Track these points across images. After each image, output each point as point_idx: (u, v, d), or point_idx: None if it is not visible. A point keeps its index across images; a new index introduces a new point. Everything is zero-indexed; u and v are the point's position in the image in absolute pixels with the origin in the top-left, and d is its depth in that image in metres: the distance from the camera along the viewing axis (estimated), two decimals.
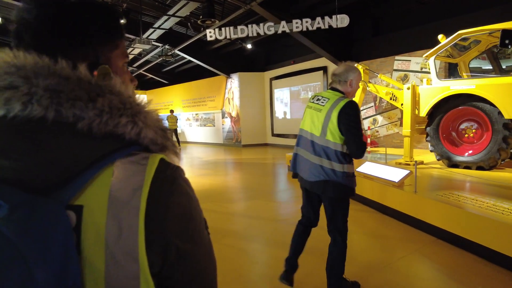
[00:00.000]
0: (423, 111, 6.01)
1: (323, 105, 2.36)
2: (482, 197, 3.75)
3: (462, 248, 3.35)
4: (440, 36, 6.02)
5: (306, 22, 7.18)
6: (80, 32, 0.55)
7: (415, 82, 6.09)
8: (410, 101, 6.06)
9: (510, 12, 6.90)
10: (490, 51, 6.66)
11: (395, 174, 4.63)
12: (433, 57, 6.08)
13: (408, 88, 6.08)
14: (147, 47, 11.01)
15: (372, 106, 9.88)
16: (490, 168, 5.28)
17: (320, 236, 2.99)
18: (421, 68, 8.59)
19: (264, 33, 7.42)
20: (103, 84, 0.52)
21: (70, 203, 0.44)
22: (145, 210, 0.47)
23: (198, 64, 14.95)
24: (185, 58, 14.92)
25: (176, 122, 16.27)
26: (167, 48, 13.75)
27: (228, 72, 15.40)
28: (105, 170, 0.47)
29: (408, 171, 4.49)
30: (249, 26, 7.34)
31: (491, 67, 6.91)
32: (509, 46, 4.95)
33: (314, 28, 7.21)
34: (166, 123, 0.64)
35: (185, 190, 0.54)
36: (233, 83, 15.46)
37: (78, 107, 0.48)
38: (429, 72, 8.52)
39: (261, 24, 7.32)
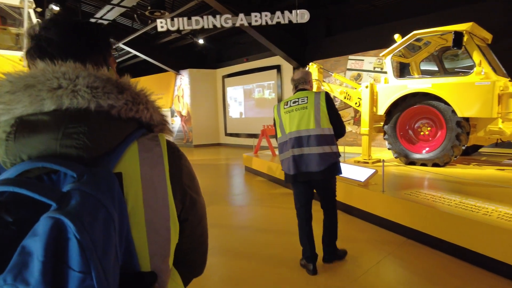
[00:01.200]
0: (381, 110, 6.03)
1: (307, 103, 2.80)
2: (448, 194, 3.74)
3: (435, 248, 3.26)
4: (396, 36, 6.09)
5: (266, 16, 6.90)
6: (94, 44, 0.77)
7: (373, 81, 6.08)
8: (369, 100, 6.06)
9: (459, 14, 7.24)
10: (436, 53, 6.95)
11: (360, 173, 4.51)
12: (390, 56, 6.14)
13: (367, 87, 6.07)
14: None
15: None
16: (444, 164, 5.43)
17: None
18: (374, 68, 8.78)
19: (221, 25, 7.00)
20: (123, 81, 0.68)
21: (114, 171, 0.61)
22: (168, 170, 0.68)
23: (145, 59, 14.00)
24: (131, 52, 13.87)
25: None
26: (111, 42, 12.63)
27: (177, 68, 14.63)
28: (132, 145, 0.65)
29: (374, 170, 4.39)
30: (205, 17, 6.85)
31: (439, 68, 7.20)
32: (461, 47, 5.10)
33: (274, 22, 6.96)
34: None
35: (186, 157, 0.79)
36: (183, 80, 14.73)
37: (112, 98, 0.63)
38: (381, 72, 8.76)
39: (218, 16, 6.88)
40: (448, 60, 7.97)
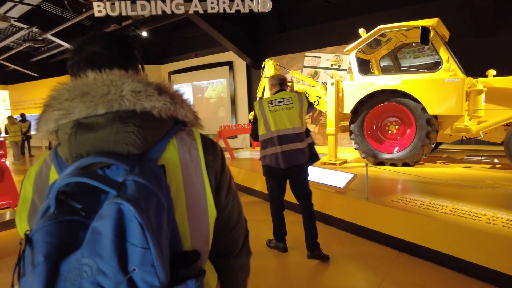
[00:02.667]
0: (348, 108, 5.73)
1: (292, 104, 3.11)
2: (437, 199, 3.45)
3: (434, 262, 2.91)
4: (361, 30, 5.82)
5: (224, 3, 6.20)
6: (133, 52, 0.87)
7: (339, 78, 5.74)
8: (335, 98, 5.71)
9: (416, 11, 7.23)
10: (392, 50, 6.86)
11: (337, 178, 4.09)
12: (354, 51, 5.86)
13: (332, 84, 5.71)
14: (2, 25, 8.34)
15: None
16: (414, 164, 5.27)
17: None
18: (331, 65, 8.57)
19: (172, 12, 6.14)
20: (161, 84, 0.75)
21: (158, 162, 0.70)
22: (203, 160, 0.77)
23: None
24: (62, 45, 12.20)
25: (29, 129, 12.30)
26: (36, 32, 10.95)
27: None
28: (171, 140, 0.74)
29: (352, 174, 3.99)
30: (152, 2, 5.95)
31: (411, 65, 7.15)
32: (428, 43, 4.95)
33: (233, 10, 6.30)
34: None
35: (219, 148, 0.86)
36: None
37: (153, 100, 0.71)
38: (338, 69, 8.58)
39: (168, 1, 6.02)
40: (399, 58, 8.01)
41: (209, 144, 0.82)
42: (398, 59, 7.30)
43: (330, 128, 5.80)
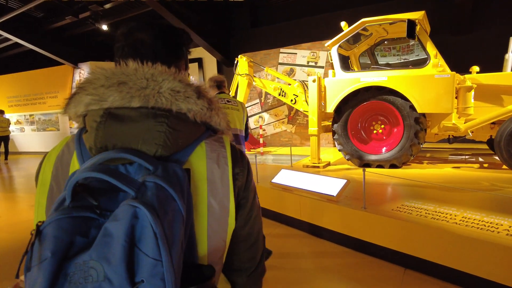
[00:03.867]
0: (330, 107, 5.35)
1: (237, 106, 3.24)
2: (441, 206, 3.11)
3: (449, 281, 2.55)
4: (343, 24, 5.46)
5: None
6: (180, 49, 0.83)
7: (320, 74, 5.35)
8: (317, 96, 5.32)
9: (392, 7, 7.03)
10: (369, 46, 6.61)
11: (328, 185, 3.67)
12: (336, 46, 5.50)
13: (314, 81, 5.31)
14: None
15: (258, 102, 9.07)
16: (401, 165, 4.99)
17: None
18: (308, 62, 8.21)
19: None
20: (201, 87, 0.72)
21: (184, 166, 0.66)
22: (231, 171, 0.73)
23: (32, 49, 11.20)
24: (10, 39, 10.94)
25: (8, 127, 11.78)
26: None
27: (75, 61, 12.11)
28: (200, 145, 0.71)
29: (345, 181, 3.58)
30: None
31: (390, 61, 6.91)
32: (415, 37, 4.68)
33: None
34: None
35: (248, 160, 0.81)
36: (83, 75, 12.27)
37: (191, 102, 0.68)
38: (315, 66, 8.24)
39: None
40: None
41: (238, 155, 0.78)
42: (375, 56, 7.07)
43: (312, 128, 5.40)
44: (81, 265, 0.50)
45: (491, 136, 5.16)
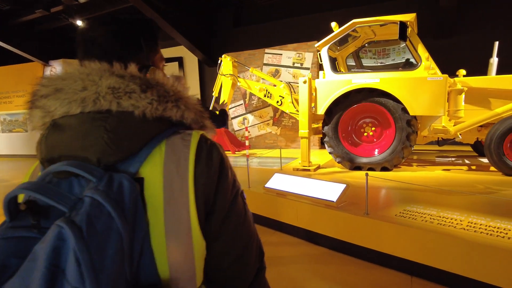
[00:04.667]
0: (321, 108, 5.25)
1: None
2: (443, 211, 3.04)
3: None
4: (333, 24, 5.39)
5: None
6: (136, 43, 0.73)
7: (311, 75, 5.24)
8: (307, 97, 5.19)
9: (378, 9, 7.05)
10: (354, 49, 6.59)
11: (327, 190, 3.53)
12: (326, 47, 5.41)
13: (305, 82, 5.19)
14: None
15: (242, 104, 8.87)
16: (393, 168, 4.96)
17: None
18: (293, 63, 8.10)
19: None
20: (150, 78, 0.63)
21: (135, 176, 0.56)
22: (193, 176, 0.60)
23: None
24: None
25: None
26: None
27: (46, 58, 11.41)
28: (157, 147, 0.60)
29: (344, 185, 3.46)
30: None
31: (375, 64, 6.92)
32: (406, 39, 4.66)
33: None
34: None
35: (222, 158, 0.67)
36: (55, 73, 11.59)
37: (134, 98, 0.59)
38: (301, 67, 8.15)
39: None
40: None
41: (204, 153, 0.64)
42: (360, 58, 7.06)
43: (303, 131, 5.27)
44: None
45: (477, 138, 5.23)
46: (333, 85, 5.13)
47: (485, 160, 5.49)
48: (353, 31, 5.42)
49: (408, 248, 2.74)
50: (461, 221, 2.79)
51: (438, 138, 5.17)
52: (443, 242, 2.54)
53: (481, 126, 4.86)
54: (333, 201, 3.33)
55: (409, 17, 4.71)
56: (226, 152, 6.06)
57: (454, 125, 4.81)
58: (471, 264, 2.41)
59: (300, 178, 3.92)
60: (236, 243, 0.69)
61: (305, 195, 3.62)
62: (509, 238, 2.43)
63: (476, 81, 4.71)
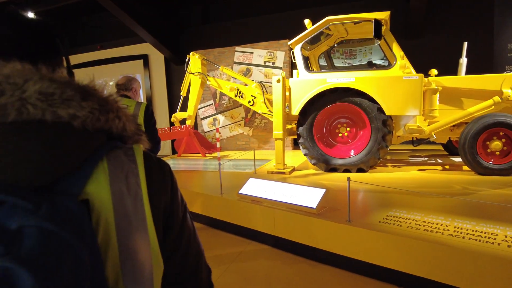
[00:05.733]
0: (296, 109, 5.05)
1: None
2: (427, 215, 2.91)
3: None
4: (306, 21, 5.21)
5: None
6: (56, 44, 0.64)
7: (285, 74, 5.02)
8: (281, 97, 4.97)
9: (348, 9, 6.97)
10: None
11: (304, 195, 3.31)
12: (299, 45, 5.21)
13: (278, 81, 4.96)
14: None
15: (212, 104, 8.51)
16: (368, 169, 4.85)
17: None
18: (265, 62, 7.87)
19: None
20: (87, 85, 0.54)
21: (80, 197, 0.48)
22: (146, 191, 0.55)
23: None
24: None
25: None
26: None
27: None
28: (100, 163, 0.51)
29: (323, 190, 3.25)
30: None
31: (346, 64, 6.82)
32: (381, 37, 4.56)
33: None
34: None
35: (169, 171, 0.65)
36: None
37: (73, 106, 0.50)
38: (272, 66, 7.94)
39: None
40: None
41: (155, 167, 0.61)
42: (331, 58, 6.97)
43: (277, 132, 5.04)
44: None
45: (449, 138, 5.26)
46: (308, 84, 4.94)
47: (457, 159, 5.54)
48: (326, 29, 5.27)
49: (395, 258, 2.56)
50: (447, 226, 2.67)
51: (413, 138, 5.13)
52: (432, 251, 2.39)
53: (453, 125, 4.86)
54: (313, 208, 3.12)
55: (383, 15, 4.62)
56: (196, 155, 5.66)
57: (428, 125, 4.78)
58: (463, 274, 2.27)
59: (276, 183, 3.67)
60: (190, 258, 0.67)
61: (282, 202, 3.38)
62: (499, 244, 2.32)
63: (449, 81, 4.71)
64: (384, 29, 4.65)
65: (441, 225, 2.70)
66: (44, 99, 0.48)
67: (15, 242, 0.38)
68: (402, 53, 4.58)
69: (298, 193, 3.37)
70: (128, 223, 0.51)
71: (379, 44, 5.87)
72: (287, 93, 5.08)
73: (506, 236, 2.43)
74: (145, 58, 9.88)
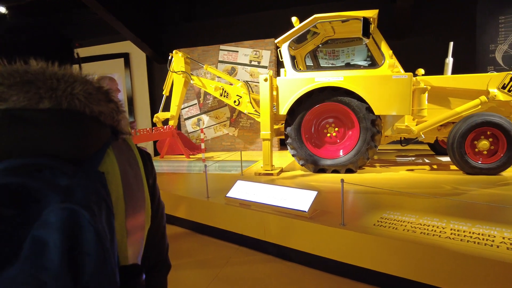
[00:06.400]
0: (283, 108, 4.92)
1: None
2: (422, 217, 2.83)
3: None
4: (294, 19, 5.09)
5: None
6: (72, 51, 0.81)
7: (272, 72, 4.88)
8: (269, 96, 4.83)
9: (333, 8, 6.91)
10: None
11: (295, 198, 3.18)
12: (287, 43, 5.10)
13: (265, 80, 4.82)
14: None
15: (196, 103, 8.29)
16: (357, 169, 4.78)
17: None
18: (250, 61, 7.72)
19: None
20: (109, 90, 0.70)
21: (99, 169, 0.63)
22: (143, 170, 0.78)
23: None
24: None
25: None
26: None
27: None
28: (109, 150, 0.67)
29: (315, 192, 3.13)
30: None
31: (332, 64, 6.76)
32: (369, 36, 4.49)
33: None
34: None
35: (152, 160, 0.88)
36: None
37: (102, 105, 0.66)
38: (258, 66, 7.80)
39: None
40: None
41: (144, 154, 0.86)
42: (317, 58, 6.90)
43: (265, 132, 4.90)
44: (7, 282, 0.45)
45: (437, 137, 5.26)
46: (296, 83, 4.83)
47: (443, 159, 5.56)
48: (313, 27, 5.17)
49: (393, 262, 2.46)
50: (443, 228, 2.59)
51: (401, 137, 5.10)
52: (432, 255, 2.30)
53: (440, 125, 4.86)
54: (305, 211, 2.99)
55: (371, 13, 4.56)
56: (179, 156, 5.44)
57: (416, 125, 4.75)
58: (464, 278, 2.18)
59: (265, 185, 3.52)
60: (162, 224, 0.91)
61: (272, 205, 3.23)
62: (498, 246, 2.25)
63: (437, 80, 4.69)
64: (373, 27, 4.59)
65: (437, 227, 2.62)
66: (87, 97, 0.62)
67: (69, 193, 0.52)
68: (390, 52, 4.53)
69: (289, 195, 3.23)
70: (131, 191, 0.69)
71: (365, 44, 5.83)
72: (274, 93, 4.95)
73: (503, 238, 2.37)
74: (126, 56, 9.55)
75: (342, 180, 2.80)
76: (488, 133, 4.28)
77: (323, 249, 2.82)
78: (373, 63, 5.71)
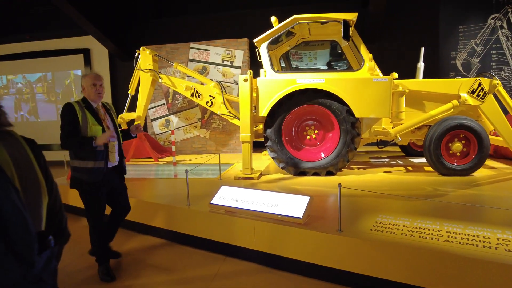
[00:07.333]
0: (263, 110, 4.78)
1: None
2: (415, 220, 2.83)
3: None
4: (273, 19, 4.98)
5: None
6: None
7: (251, 73, 4.72)
8: (249, 97, 4.67)
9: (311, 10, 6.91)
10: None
11: (286, 204, 3.05)
12: (266, 43, 4.97)
13: (245, 80, 4.66)
14: None
15: (164, 104, 7.89)
16: (337, 172, 4.77)
17: None
18: (223, 61, 7.49)
19: None
20: None
21: None
22: (32, 153, 1.05)
23: None
24: None
25: None
26: None
27: None
28: None
29: (308, 197, 3.02)
30: None
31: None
32: (349, 39, 4.51)
33: None
34: None
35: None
36: None
37: None
38: (231, 66, 7.59)
39: None
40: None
41: (30, 140, 1.11)
42: (290, 60, 6.86)
43: (245, 134, 4.73)
44: None
45: (410, 139, 5.41)
46: (276, 84, 4.71)
47: (416, 161, 5.75)
48: (291, 28, 5.10)
49: (394, 268, 2.41)
50: (439, 231, 2.60)
51: (377, 140, 5.18)
52: (434, 259, 2.27)
53: (415, 128, 4.99)
54: (299, 218, 2.86)
55: (351, 16, 4.57)
56: (147, 159, 5.06)
57: (393, 127, 4.84)
58: (467, 282, 2.18)
59: (253, 190, 3.35)
60: (58, 198, 1.23)
61: (263, 212, 3.07)
62: (496, 248, 2.28)
63: (412, 84, 4.82)
64: (352, 30, 4.61)
65: (433, 230, 2.62)
66: None
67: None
68: (370, 55, 4.58)
69: (280, 201, 3.09)
70: (26, 175, 1.00)
71: (342, 49, 5.86)
72: (254, 94, 4.80)
73: (498, 239, 2.41)
74: (86, 52, 8.88)
75: (339, 185, 2.72)
76: (461, 135, 4.46)
77: (320, 257, 2.72)
78: (349, 67, 5.75)
